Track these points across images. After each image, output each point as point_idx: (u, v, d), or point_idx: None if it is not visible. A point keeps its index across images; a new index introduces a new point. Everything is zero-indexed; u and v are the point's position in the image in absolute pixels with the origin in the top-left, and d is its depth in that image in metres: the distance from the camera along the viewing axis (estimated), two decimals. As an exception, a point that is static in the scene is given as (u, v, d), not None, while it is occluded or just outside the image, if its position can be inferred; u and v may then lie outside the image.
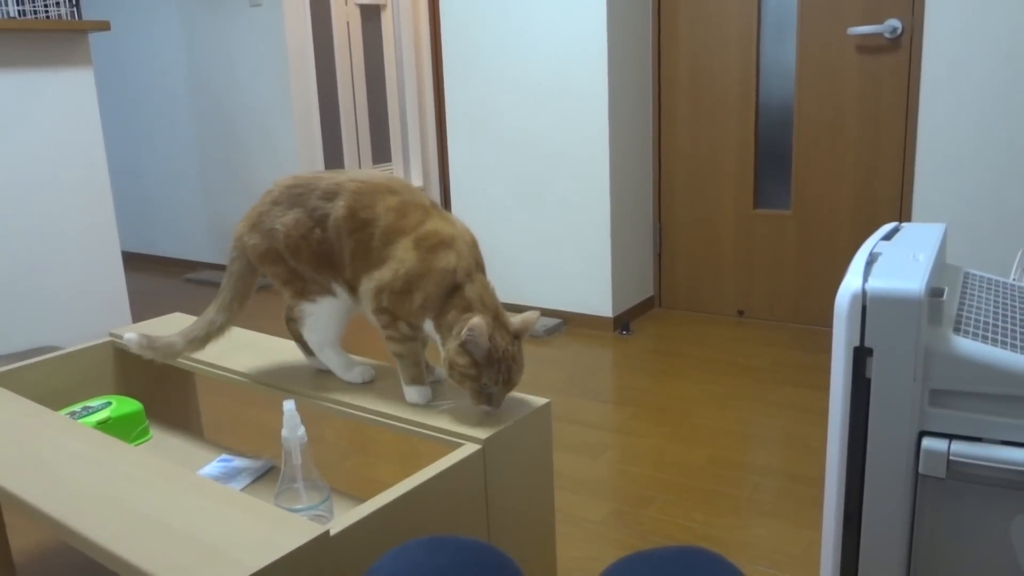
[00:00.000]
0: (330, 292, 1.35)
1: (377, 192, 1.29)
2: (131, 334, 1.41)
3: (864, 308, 0.95)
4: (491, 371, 1.19)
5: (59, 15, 2.95)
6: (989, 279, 1.21)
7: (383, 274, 1.27)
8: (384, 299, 1.28)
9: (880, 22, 2.86)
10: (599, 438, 2.32)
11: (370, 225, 1.28)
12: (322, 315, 1.37)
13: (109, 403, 1.64)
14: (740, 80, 3.19)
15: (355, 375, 1.42)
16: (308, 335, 1.41)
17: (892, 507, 0.99)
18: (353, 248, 1.30)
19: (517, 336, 1.23)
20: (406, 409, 1.31)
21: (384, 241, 1.27)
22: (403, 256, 1.25)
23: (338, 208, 1.29)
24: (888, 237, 1.17)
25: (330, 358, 1.42)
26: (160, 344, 1.42)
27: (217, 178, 4.55)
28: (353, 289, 1.33)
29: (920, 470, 0.96)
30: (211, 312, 1.42)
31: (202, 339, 1.42)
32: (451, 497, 1.15)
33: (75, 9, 3.03)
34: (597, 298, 3.32)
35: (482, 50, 3.38)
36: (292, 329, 1.48)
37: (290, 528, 0.98)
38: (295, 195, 1.32)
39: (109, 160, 4.82)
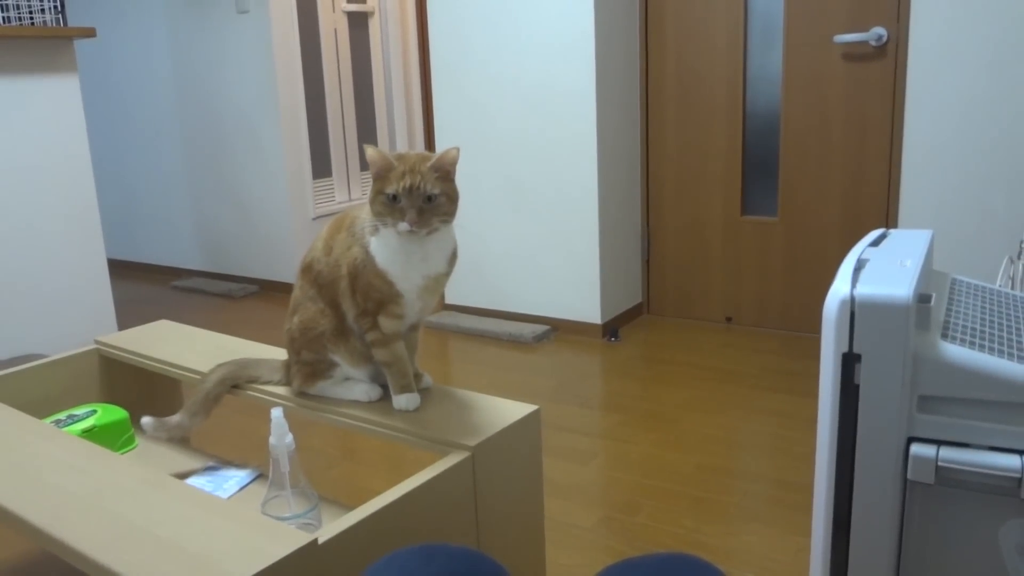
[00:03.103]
0: (336, 365, 1.38)
1: (316, 239, 1.39)
2: (147, 419, 1.46)
3: (852, 314, 0.96)
4: (394, 181, 1.20)
5: (44, 22, 2.94)
6: (976, 285, 1.22)
7: (344, 276, 1.31)
8: (360, 299, 1.30)
9: (866, 30, 2.88)
10: (588, 445, 2.32)
11: (316, 259, 1.36)
12: (333, 385, 1.40)
13: (94, 411, 1.62)
14: (727, 87, 3.21)
15: (360, 393, 1.40)
16: (323, 393, 1.42)
17: (881, 513, 0.99)
18: (318, 291, 1.35)
19: (437, 167, 1.22)
20: (394, 416, 1.31)
21: (327, 253, 1.34)
22: (345, 248, 1.31)
23: (302, 288, 1.39)
24: (875, 243, 1.18)
25: (339, 394, 1.41)
26: (172, 424, 1.47)
27: (204, 186, 4.53)
28: (344, 336, 1.35)
29: (909, 476, 0.97)
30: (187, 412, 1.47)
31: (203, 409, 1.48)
32: (440, 504, 1.14)
33: (60, 16, 3.01)
34: (585, 305, 3.32)
35: (470, 58, 3.38)
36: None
37: (278, 536, 0.97)
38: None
39: (95, 167, 4.79)
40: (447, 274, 1.31)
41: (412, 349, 1.39)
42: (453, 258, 1.32)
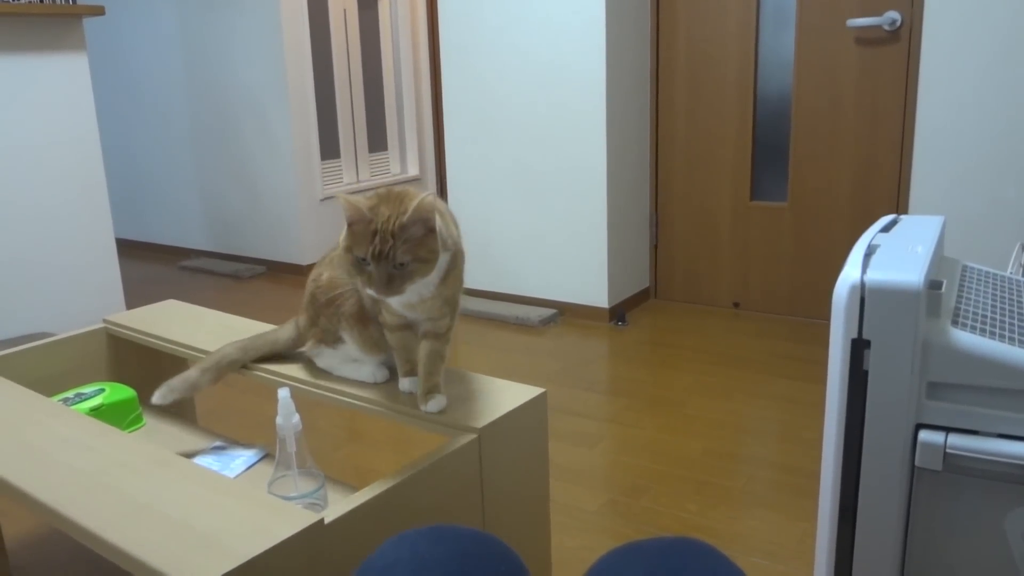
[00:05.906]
0: (341, 340, 1.37)
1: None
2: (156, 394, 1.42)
3: (863, 300, 0.95)
4: (364, 243, 1.11)
5: (53, -1, 2.93)
6: (987, 272, 1.21)
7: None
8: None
9: (879, 14, 2.85)
10: (594, 428, 2.32)
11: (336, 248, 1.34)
12: (342, 363, 1.40)
13: (102, 390, 1.63)
14: (738, 71, 3.18)
15: (367, 374, 1.39)
16: (320, 364, 1.43)
17: (888, 499, 0.99)
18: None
19: (413, 221, 1.11)
20: (401, 398, 1.31)
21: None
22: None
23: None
24: (887, 229, 1.17)
25: (347, 374, 1.41)
26: (177, 383, 1.44)
27: (212, 165, 4.53)
28: (363, 321, 1.34)
29: (916, 463, 0.96)
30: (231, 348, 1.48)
31: (214, 370, 1.48)
32: (446, 486, 1.14)
33: (70, -7, 3.00)
34: (593, 289, 3.31)
35: (479, 40, 3.36)
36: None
37: (284, 516, 0.97)
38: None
39: (103, 146, 4.79)
40: (435, 296, 1.22)
41: (427, 359, 1.29)
42: (449, 276, 1.22)
